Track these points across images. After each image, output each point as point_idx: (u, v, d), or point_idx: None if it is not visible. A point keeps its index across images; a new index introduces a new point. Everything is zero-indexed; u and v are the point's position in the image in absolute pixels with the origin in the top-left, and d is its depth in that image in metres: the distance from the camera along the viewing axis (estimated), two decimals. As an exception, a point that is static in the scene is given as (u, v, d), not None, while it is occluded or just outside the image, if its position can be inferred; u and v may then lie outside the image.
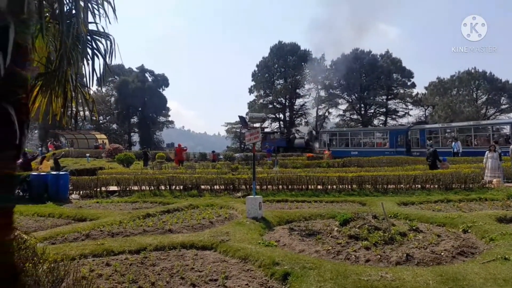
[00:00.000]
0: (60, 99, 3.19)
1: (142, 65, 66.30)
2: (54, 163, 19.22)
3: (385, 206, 9.29)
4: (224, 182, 13.33)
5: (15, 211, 8.22)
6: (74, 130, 52.62)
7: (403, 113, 56.24)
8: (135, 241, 6.15)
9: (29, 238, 3.74)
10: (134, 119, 65.21)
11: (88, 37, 2.96)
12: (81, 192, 13.54)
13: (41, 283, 3.14)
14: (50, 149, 37.36)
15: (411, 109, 55.94)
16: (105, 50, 3.05)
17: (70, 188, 13.27)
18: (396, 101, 56.47)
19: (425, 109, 54.15)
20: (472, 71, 48.57)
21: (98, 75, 3.13)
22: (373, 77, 53.81)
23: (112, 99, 63.38)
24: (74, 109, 3.60)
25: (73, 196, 13.23)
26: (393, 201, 10.39)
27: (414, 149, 29.97)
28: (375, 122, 57.38)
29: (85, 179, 13.86)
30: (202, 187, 13.31)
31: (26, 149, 43.14)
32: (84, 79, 3.16)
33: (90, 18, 3.23)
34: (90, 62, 2.96)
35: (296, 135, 43.70)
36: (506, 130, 26.40)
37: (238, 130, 56.48)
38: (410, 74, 54.59)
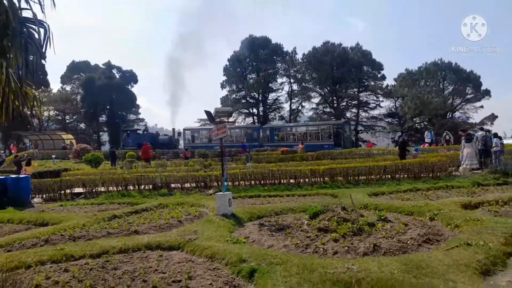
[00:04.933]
0: (-6, 95, 2.90)
1: (109, 61, 64.07)
2: (15, 165, 18.34)
3: (356, 197, 9.39)
4: (195, 179, 13.09)
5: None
6: (39, 131, 50.57)
7: (374, 105, 57.34)
8: (97, 245, 5.86)
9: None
10: (103, 118, 63.16)
11: (22, 26, 2.69)
12: (44, 196, 12.94)
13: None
14: (13, 151, 35.80)
15: (382, 101, 57.02)
16: (41, 39, 2.78)
17: (32, 191, 12.62)
18: (368, 93, 57.38)
19: (395, 101, 55.39)
20: (439, 62, 49.89)
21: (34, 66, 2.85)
22: (344, 70, 54.38)
23: (78, 97, 61.10)
24: (15, 105, 3.29)
25: (35, 200, 12.61)
26: (364, 192, 10.50)
27: (266, 143, 37.07)
28: (348, 114, 58.12)
29: (48, 181, 13.23)
30: (173, 185, 13.02)
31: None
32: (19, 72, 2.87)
33: (24, 5, 2.95)
34: (23, 53, 2.71)
35: (159, 132, 48.85)
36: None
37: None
38: (380, 66, 55.56)
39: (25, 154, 27.15)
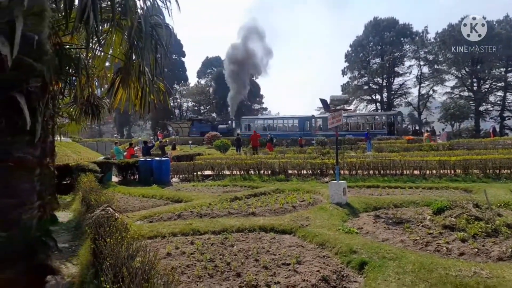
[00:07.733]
0: (134, 90, 3.46)
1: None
2: (160, 150, 21.37)
3: (495, 194, 8.17)
4: (311, 167, 13.18)
5: (125, 192, 9.32)
6: (179, 119, 57.91)
7: (528, 86, 48.00)
8: (219, 223, 6.47)
9: (120, 216, 4.18)
10: (231, 108, 68.44)
11: (152, 29, 3.15)
12: (180, 176, 14.79)
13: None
14: (159, 137, 41.64)
15: (539, 81, 47.36)
16: (166, 39, 3.20)
17: (171, 172, 14.57)
18: (519, 73, 48.35)
19: (559, 80, 45.34)
20: None
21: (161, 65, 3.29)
22: (488, 47, 46.77)
23: (211, 89, 67.41)
24: (151, 99, 3.86)
25: (174, 179, 14.53)
26: (506, 188, 9.07)
27: (317, 132, 36.99)
28: (491, 98, 50.15)
29: (183, 164, 15.09)
30: (290, 171, 13.36)
31: (140, 138, 49.06)
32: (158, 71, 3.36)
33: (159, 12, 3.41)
34: (153, 53, 3.16)
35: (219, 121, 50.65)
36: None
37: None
38: (537, 40, 46.05)
39: (166, 140, 31.48)
